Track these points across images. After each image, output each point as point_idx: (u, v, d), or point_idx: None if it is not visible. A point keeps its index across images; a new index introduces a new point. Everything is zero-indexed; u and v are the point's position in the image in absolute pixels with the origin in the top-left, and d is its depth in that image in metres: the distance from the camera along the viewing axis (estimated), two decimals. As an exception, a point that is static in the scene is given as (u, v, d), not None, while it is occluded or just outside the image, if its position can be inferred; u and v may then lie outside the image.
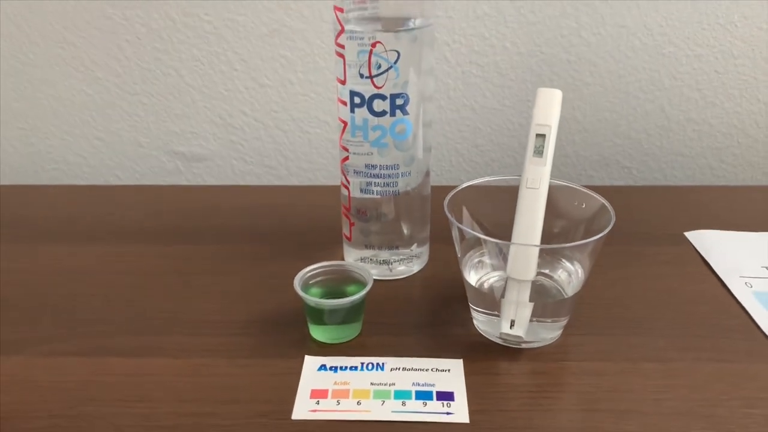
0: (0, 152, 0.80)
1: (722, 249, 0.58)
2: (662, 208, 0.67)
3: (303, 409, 0.42)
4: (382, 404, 0.42)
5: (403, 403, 0.42)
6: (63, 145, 0.80)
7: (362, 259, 0.55)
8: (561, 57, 0.73)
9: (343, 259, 0.57)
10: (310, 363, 0.46)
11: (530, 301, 0.45)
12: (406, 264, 0.56)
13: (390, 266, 0.55)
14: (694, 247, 0.59)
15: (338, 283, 0.50)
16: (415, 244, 0.55)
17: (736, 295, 0.52)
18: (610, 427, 0.41)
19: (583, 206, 0.49)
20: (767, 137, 0.77)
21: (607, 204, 0.47)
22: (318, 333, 0.48)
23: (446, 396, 0.43)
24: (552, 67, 0.74)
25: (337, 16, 0.48)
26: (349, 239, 0.56)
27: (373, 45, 0.47)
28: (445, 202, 0.48)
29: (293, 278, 0.48)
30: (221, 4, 0.72)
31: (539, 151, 0.47)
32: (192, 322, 0.51)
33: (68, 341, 0.49)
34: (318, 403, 0.43)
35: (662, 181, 0.79)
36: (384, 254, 0.55)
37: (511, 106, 0.75)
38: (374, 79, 0.48)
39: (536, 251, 0.45)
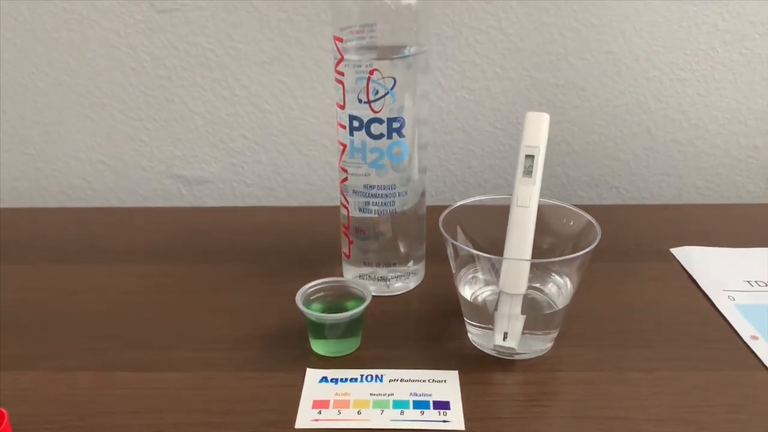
0: (6, 176, 0.82)
1: (706, 264, 0.61)
2: (649, 226, 0.70)
3: (306, 418, 0.44)
4: (381, 413, 0.44)
5: (402, 413, 0.44)
6: (68, 168, 0.82)
7: (361, 276, 0.57)
8: (549, 81, 0.76)
9: (342, 276, 0.59)
10: (312, 375, 0.48)
11: (522, 313, 0.47)
12: (403, 281, 0.58)
13: (387, 283, 0.57)
14: (679, 263, 0.62)
15: (338, 298, 0.52)
16: (412, 262, 0.58)
17: (720, 308, 0.54)
18: (598, 428, 0.43)
19: (571, 223, 0.51)
20: (749, 157, 0.79)
21: (593, 221, 0.50)
22: (319, 347, 0.50)
23: (443, 405, 0.45)
24: (541, 91, 0.77)
25: (336, 46, 0.51)
26: (348, 257, 0.58)
27: (371, 72, 0.50)
28: (440, 220, 0.50)
29: (295, 295, 0.50)
30: (223, 33, 0.75)
31: (528, 171, 0.49)
32: (197, 337, 0.53)
33: (78, 356, 0.51)
34: (320, 413, 0.45)
35: (650, 200, 0.81)
36: (382, 271, 0.57)
37: (503, 129, 0.78)
38: (372, 104, 0.50)
39: (527, 266, 0.47)
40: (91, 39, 0.76)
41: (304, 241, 0.67)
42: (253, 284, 0.60)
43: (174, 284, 0.60)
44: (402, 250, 0.57)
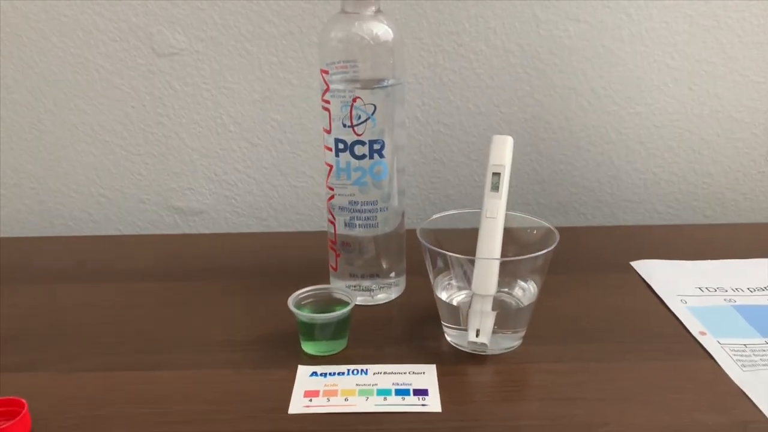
0: (12, 208, 0.87)
1: (663, 274, 0.67)
2: (612, 244, 0.76)
3: (298, 405, 0.49)
4: (366, 400, 0.49)
5: (385, 399, 0.49)
6: (70, 202, 0.87)
7: (347, 287, 0.62)
8: (518, 116, 0.83)
9: (329, 288, 0.64)
10: (303, 371, 0.53)
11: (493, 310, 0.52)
12: (386, 291, 0.63)
13: (371, 293, 0.62)
14: (638, 273, 0.68)
15: (326, 303, 0.57)
16: (393, 273, 0.63)
17: (673, 309, 0.60)
18: (561, 411, 0.48)
19: (534, 232, 0.57)
20: (704, 183, 0.86)
21: (552, 228, 0.56)
22: (309, 347, 0.55)
23: (422, 392, 0.50)
24: (510, 125, 0.83)
25: (323, 78, 0.57)
26: (335, 269, 0.63)
27: (354, 100, 0.56)
28: (418, 229, 0.56)
29: (285, 304, 0.55)
30: (218, 75, 0.81)
31: (496, 187, 0.55)
32: (199, 341, 0.57)
33: (89, 359, 0.55)
34: (311, 400, 0.49)
35: (615, 224, 0.88)
36: (366, 282, 0.62)
37: (476, 160, 0.84)
38: (355, 128, 0.57)
39: (496, 268, 0.52)
40: (96, 81, 0.82)
41: (294, 260, 0.72)
42: (246, 297, 0.65)
43: (174, 298, 0.65)
44: (384, 263, 0.62)
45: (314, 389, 0.50)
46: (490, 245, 0.53)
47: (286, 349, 0.56)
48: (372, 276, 0.62)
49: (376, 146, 0.57)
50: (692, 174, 0.86)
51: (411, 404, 0.49)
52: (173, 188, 0.87)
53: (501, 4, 0.79)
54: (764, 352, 0.53)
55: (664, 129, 0.84)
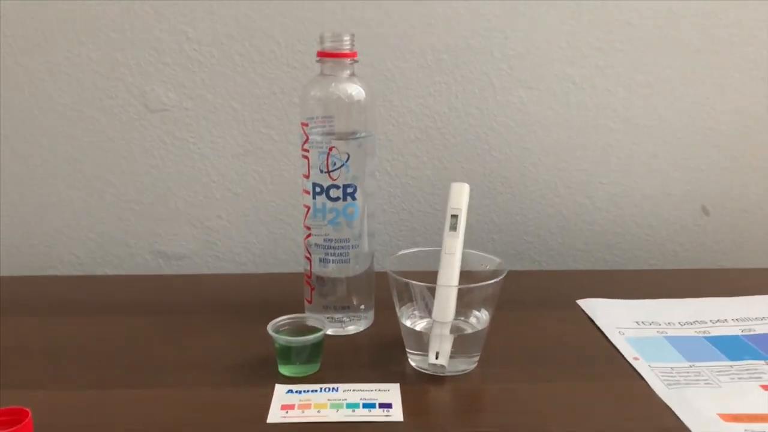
0: (2, 250, 0.92)
1: (605, 311, 0.74)
2: (561, 286, 0.83)
3: (276, 416, 0.54)
4: (337, 412, 0.55)
5: (353, 411, 0.55)
6: (60, 244, 0.93)
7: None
8: (478, 171, 0.92)
9: (304, 321, 0.70)
10: (280, 389, 0.58)
11: (450, 333, 0.59)
12: (356, 323, 0.69)
13: (343, 324, 0.69)
14: (583, 310, 0.75)
15: (300, 330, 0.63)
16: (363, 306, 0.69)
17: (611, 339, 0.67)
18: (510, 420, 0.54)
19: (486, 266, 0.64)
20: (647, 235, 0.95)
21: (502, 262, 0.63)
22: (285, 370, 0.61)
23: (386, 406, 0.56)
24: (471, 179, 0.92)
25: (303, 130, 0.65)
26: (309, 302, 0.69)
27: (330, 149, 0.64)
28: (387, 262, 0.62)
29: (264, 333, 0.61)
30: (205, 129, 0.89)
31: (454, 227, 0.63)
32: (183, 365, 0.63)
33: (81, 379, 0.60)
34: (287, 413, 0.55)
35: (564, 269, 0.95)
36: (338, 315, 0.68)
37: (441, 210, 0.92)
38: (331, 174, 0.64)
39: (454, 296, 0.59)
40: (91, 133, 0.89)
41: (272, 297, 0.78)
42: (227, 327, 0.71)
43: (159, 329, 0.71)
44: (354, 298, 0.69)
45: (290, 403, 0.56)
46: (449, 276, 0.60)
47: (264, 371, 0.62)
48: (343, 309, 0.69)
49: (349, 190, 0.65)
50: (635, 226, 0.95)
51: (377, 415, 0.54)
52: (158, 233, 0.93)
53: (461, 73, 0.88)
54: (687, 374, 0.60)
55: (609, 185, 0.93)
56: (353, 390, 0.58)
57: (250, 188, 0.91)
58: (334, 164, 0.64)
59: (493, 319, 0.62)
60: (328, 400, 0.57)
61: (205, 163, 0.91)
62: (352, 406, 0.56)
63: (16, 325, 0.72)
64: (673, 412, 0.55)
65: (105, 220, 0.92)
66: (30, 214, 0.91)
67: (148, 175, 0.91)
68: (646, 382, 0.59)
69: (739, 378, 0.60)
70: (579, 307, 0.76)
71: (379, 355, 0.66)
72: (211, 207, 0.92)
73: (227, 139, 0.90)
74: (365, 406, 0.56)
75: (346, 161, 0.64)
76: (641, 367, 0.62)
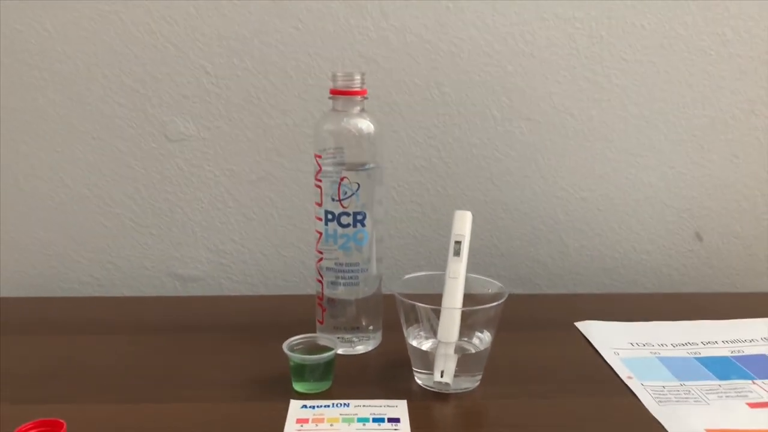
0: (24, 272, 0.96)
1: (601, 332, 0.78)
2: (560, 308, 0.87)
3: (291, 429, 0.58)
4: (349, 425, 0.58)
5: (364, 425, 0.59)
6: (79, 267, 0.97)
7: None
8: (480, 198, 0.96)
9: (316, 341, 0.74)
10: (295, 404, 0.62)
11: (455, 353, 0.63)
12: (365, 343, 0.73)
13: (352, 344, 0.72)
14: (580, 332, 0.78)
15: (313, 349, 0.67)
16: (371, 326, 0.73)
17: (606, 359, 0.71)
18: (510, 434, 0.58)
19: (489, 290, 0.68)
20: (643, 260, 0.99)
21: (503, 286, 0.67)
22: (299, 386, 0.65)
23: (395, 420, 0.59)
24: (474, 206, 0.96)
25: (316, 161, 0.70)
26: (321, 323, 0.73)
27: (342, 179, 0.68)
28: (394, 285, 0.66)
29: (278, 352, 0.65)
30: (221, 158, 0.93)
31: (457, 252, 0.67)
32: (202, 383, 0.67)
33: (104, 395, 0.64)
34: (302, 426, 0.59)
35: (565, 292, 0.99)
36: (348, 335, 0.72)
37: (444, 235, 0.95)
38: (342, 202, 0.68)
39: (458, 318, 0.63)
40: (111, 161, 0.94)
41: (284, 318, 0.82)
42: (242, 346, 0.74)
43: (176, 348, 0.74)
44: (364, 319, 0.73)
45: (305, 418, 0.60)
46: (453, 299, 0.64)
47: (279, 388, 0.65)
48: (353, 329, 0.72)
49: (359, 217, 0.69)
50: (632, 252, 0.99)
51: (386, 429, 0.58)
52: (175, 257, 0.97)
53: (464, 105, 0.93)
54: (678, 392, 0.64)
55: (607, 212, 0.97)
56: (363, 406, 0.62)
57: (262, 213, 0.96)
58: (345, 193, 0.68)
59: (495, 340, 0.65)
60: (340, 414, 0.60)
61: (220, 190, 0.95)
62: (363, 420, 0.59)
63: (42, 344, 0.75)
64: (663, 427, 0.58)
65: (124, 243, 0.96)
66: (52, 237, 0.96)
67: (166, 201, 0.95)
68: (638, 400, 0.63)
69: (727, 396, 0.63)
70: (577, 328, 0.80)
71: (387, 374, 0.69)
72: (226, 231, 0.96)
73: (242, 166, 0.94)
74: (375, 420, 0.59)
75: (356, 190, 0.68)
76: (634, 385, 0.66)
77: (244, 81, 0.91)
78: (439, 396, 0.64)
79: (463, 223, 0.68)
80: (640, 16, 0.91)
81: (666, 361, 0.70)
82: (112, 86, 0.91)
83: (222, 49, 0.90)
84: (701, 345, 0.75)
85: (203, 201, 0.95)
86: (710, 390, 0.65)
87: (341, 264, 0.70)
